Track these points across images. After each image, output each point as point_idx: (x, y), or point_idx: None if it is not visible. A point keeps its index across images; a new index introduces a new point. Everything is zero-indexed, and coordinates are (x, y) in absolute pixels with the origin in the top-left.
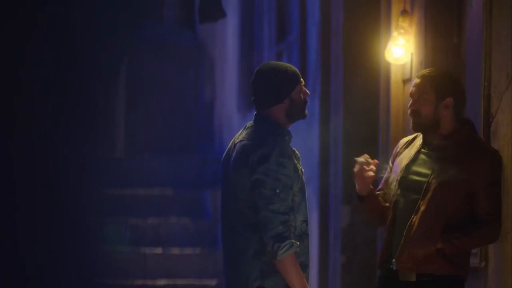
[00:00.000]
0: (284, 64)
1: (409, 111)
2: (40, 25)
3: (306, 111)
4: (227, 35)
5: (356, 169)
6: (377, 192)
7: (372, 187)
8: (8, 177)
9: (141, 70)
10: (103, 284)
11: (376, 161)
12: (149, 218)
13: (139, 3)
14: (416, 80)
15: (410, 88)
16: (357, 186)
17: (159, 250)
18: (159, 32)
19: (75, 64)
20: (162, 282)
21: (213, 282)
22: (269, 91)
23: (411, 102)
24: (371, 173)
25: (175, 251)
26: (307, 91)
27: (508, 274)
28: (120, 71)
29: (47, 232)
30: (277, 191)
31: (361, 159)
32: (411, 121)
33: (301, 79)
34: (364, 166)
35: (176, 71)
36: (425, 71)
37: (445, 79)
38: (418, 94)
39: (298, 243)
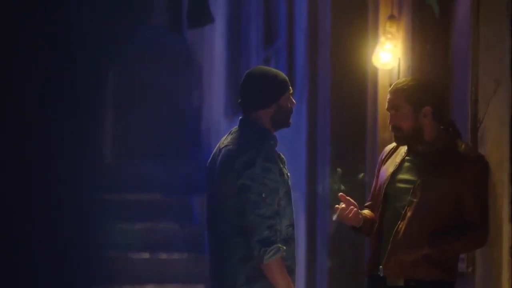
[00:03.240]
0: (275, 70)
1: (389, 126)
2: (28, 34)
3: (291, 121)
4: (215, 40)
5: (335, 216)
6: (367, 204)
7: (361, 216)
8: (2, 182)
9: (129, 75)
10: None
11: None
12: (137, 223)
13: (128, 8)
14: (390, 96)
15: (386, 103)
16: (348, 224)
17: (147, 255)
18: (147, 37)
19: (63, 71)
20: (150, 287)
21: (201, 287)
22: (257, 95)
23: (390, 117)
24: (352, 212)
25: (163, 256)
26: (294, 100)
27: (496, 279)
28: (108, 76)
29: (36, 237)
30: (263, 195)
31: (339, 208)
32: (393, 135)
33: (290, 88)
34: (344, 208)
35: (164, 76)
36: (397, 84)
37: (419, 89)
38: (395, 109)
39: (284, 247)
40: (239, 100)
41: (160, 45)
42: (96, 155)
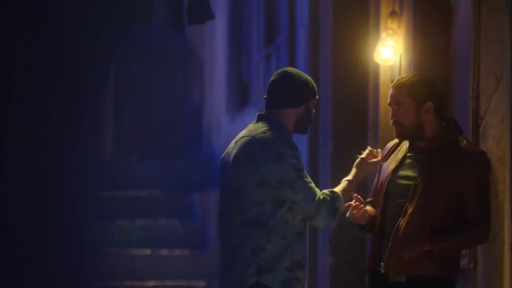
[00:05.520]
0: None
1: (391, 121)
2: (27, 30)
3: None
4: (216, 37)
5: (348, 212)
6: (368, 200)
7: (367, 214)
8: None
9: (129, 73)
10: (92, 286)
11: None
12: (137, 219)
13: (128, 5)
14: (393, 91)
15: (388, 98)
16: (354, 222)
17: (147, 252)
18: (148, 34)
19: (63, 68)
20: (150, 283)
21: (202, 283)
22: (292, 93)
23: (391, 112)
24: (360, 212)
25: (164, 252)
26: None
27: (497, 275)
28: (109, 73)
29: (36, 234)
30: (305, 179)
31: (352, 205)
32: (394, 130)
33: (317, 96)
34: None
35: (165, 74)
36: (400, 80)
37: (421, 84)
38: (397, 105)
39: (338, 194)
40: (266, 96)
41: (161, 42)
42: (97, 152)
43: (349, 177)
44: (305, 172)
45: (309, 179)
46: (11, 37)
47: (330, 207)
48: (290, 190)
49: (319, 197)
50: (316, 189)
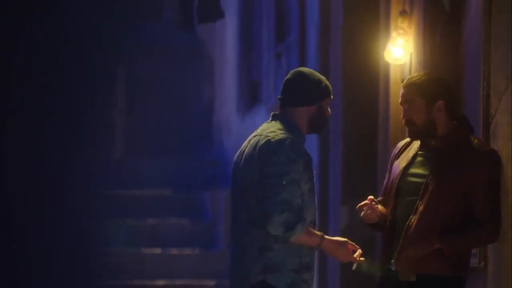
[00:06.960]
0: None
1: (403, 121)
2: (27, 30)
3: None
4: (226, 36)
5: (362, 213)
6: (379, 199)
7: (379, 213)
8: (1, 179)
9: (140, 71)
10: (102, 285)
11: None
12: (147, 218)
13: (138, 4)
14: (403, 90)
15: (399, 97)
16: (366, 221)
17: (158, 251)
18: (158, 33)
19: (72, 66)
20: (161, 282)
21: (212, 282)
22: (303, 91)
23: (403, 112)
24: (374, 212)
25: (174, 251)
26: (330, 110)
27: (507, 274)
28: (119, 72)
29: (44, 233)
30: (284, 182)
31: (367, 205)
32: (407, 129)
33: (332, 96)
34: (366, 208)
35: (175, 73)
36: (410, 79)
37: (432, 83)
38: (408, 104)
39: (305, 218)
40: (280, 96)
41: (171, 41)
42: (107, 152)
43: (326, 236)
44: (293, 179)
45: (288, 188)
46: (11, 37)
47: (292, 221)
48: (265, 184)
49: (288, 206)
50: (293, 198)
